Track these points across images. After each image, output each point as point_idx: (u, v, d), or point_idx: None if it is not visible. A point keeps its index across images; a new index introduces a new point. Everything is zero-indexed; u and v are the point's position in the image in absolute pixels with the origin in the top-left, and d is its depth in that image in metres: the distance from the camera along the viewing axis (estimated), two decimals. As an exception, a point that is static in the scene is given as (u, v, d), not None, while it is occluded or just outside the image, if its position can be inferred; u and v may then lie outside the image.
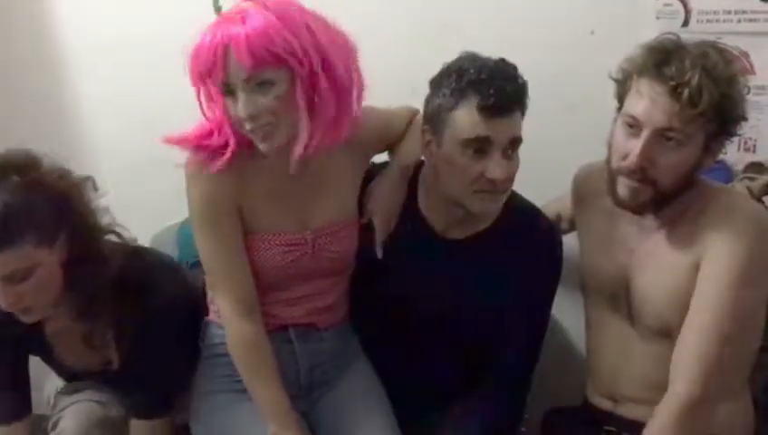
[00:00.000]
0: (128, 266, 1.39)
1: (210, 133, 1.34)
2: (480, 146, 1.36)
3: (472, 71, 1.36)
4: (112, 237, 1.41)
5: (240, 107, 1.25)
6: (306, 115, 1.28)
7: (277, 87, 1.25)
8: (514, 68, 1.38)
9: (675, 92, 1.25)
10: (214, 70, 1.23)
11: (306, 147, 1.30)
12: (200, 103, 1.33)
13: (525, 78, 1.39)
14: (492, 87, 1.33)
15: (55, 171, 1.33)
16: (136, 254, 1.46)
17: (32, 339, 1.45)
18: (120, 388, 1.54)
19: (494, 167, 1.36)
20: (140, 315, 1.39)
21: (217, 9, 1.26)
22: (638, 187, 1.32)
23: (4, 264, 1.24)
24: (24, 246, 1.25)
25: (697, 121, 1.26)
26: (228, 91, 1.26)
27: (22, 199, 1.26)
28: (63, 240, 1.31)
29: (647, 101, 1.28)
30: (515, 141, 1.38)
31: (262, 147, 1.30)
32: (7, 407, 1.47)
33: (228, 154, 1.32)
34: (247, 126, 1.27)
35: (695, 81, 1.24)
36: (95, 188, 1.39)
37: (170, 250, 1.72)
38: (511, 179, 1.40)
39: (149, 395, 1.47)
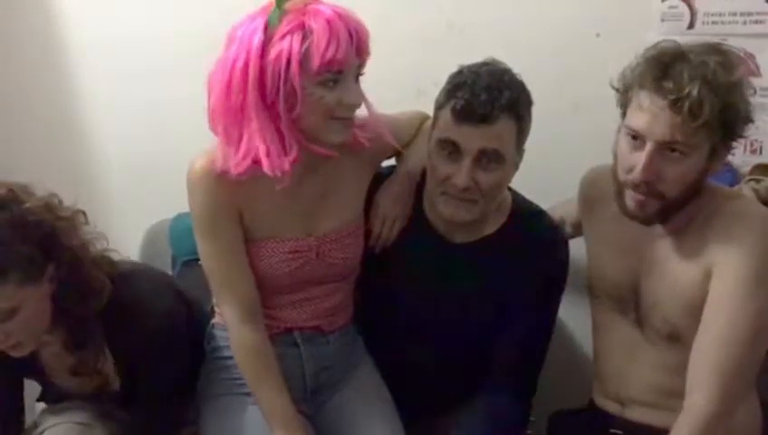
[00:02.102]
0: (118, 293, 1.38)
1: (248, 169, 1.30)
2: (452, 149, 1.37)
3: (465, 73, 1.37)
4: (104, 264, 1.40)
5: (351, 94, 1.29)
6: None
7: (360, 79, 1.31)
8: (507, 81, 1.36)
9: (675, 106, 1.23)
10: (348, 58, 1.26)
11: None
12: (282, 112, 1.28)
13: (531, 80, 1.39)
14: (468, 93, 1.33)
15: (41, 205, 1.30)
16: (126, 278, 1.42)
17: (28, 365, 1.44)
18: (121, 407, 1.54)
19: (457, 172, 1.36)
20: (134, 339, 1.37)
21: (279, 3, 1.26)
22: (644, 199, 1.31)
23: None
24: (8, 286, 1.23)
25: (700, 133, 1.25)
26: (333, 80, 1.27)
27: (3, 238, 1.23)
28: (51, 273, 1.30)
29: (648, 114, 1.27)
30: (487, 153, 1.35)
31: (339, 137, 1.32)
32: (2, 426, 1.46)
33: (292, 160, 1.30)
34: (342, 113, 1.29)
35: (694, 93, 1.22)
36: (86, 221, 1.37)
37: (164, 247, 1.72)
38: (480, 190, 1.38)
39: (152, 416, 1.45)
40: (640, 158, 1.28)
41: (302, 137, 1.31)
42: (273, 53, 1.24)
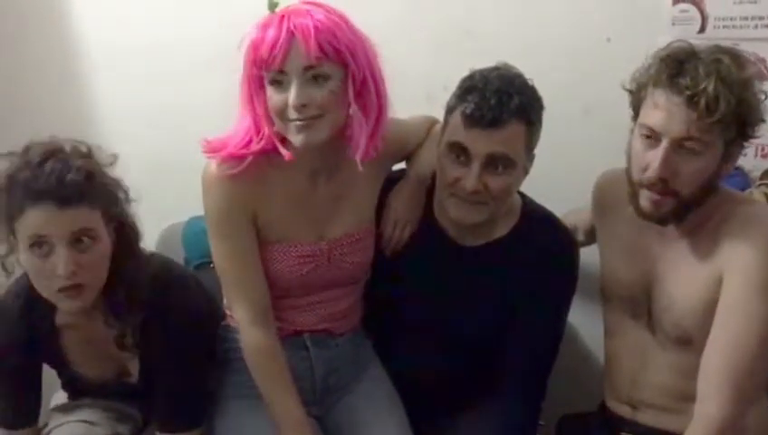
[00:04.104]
0: (159, 275, 1.40)
1: (250, 142, 1.35)
2: (461, 153, 1.37)
3: (476, 78, 1.38)
4: None
5: (292, 95, 1.26)
6: (361, 114, 1.31)
7: (331, 82, 1.28)
8: (518, 86, 1.36)
9: (691, 102, 1.24)
10: (275, 58, 1.25)
11: (366, 148, 1.33)
12: (250, 97, 1.33)
13: (542, 85, 1.40)
14: (478, 97, 1.34)
15: (113, 176, 1.37)
16: (166, 263, 1.47)
17: (48, 350, 1.45)
18: (138, 399, 1.55)
19: (466, 176, 1.37)
20: (168, 325, 1.39)
21: (272, 6, 1.28)
22: (660, 199, 1.31)
23: (75, 218, 1.25)
24: (96, 207, 1.28)
25: (715, 129, 1.26)
26: (277, 81, 1.28)
27: (94, 171, 1.30)
28: (113, 228, 1.34)
29: (663, 112, 1.28)
30: (496, 157, 1.35)
31: (297, 139, 1.30)
32: (18, 412, 1.47)
33: (256, 150, 1.34)
34: (292, 115, 1.28)
35: (710, 89, 1.23)
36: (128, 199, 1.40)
37: (177, 250, 1.74)
38: (489, 194, 1.38)
39: (174, 408, 1.46)
40: (656, 156, 1.29)
41: (273, 133, 1.33)
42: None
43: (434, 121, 1.54)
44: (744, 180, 1.69)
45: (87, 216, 1.27)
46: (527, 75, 1.40)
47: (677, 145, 1.27)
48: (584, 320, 1.73)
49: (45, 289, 1.30)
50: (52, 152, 1.28)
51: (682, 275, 1.37)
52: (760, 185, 1.66)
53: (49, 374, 1.54)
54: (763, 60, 1.65)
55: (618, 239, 1.49)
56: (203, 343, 1.46)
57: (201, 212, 1.44)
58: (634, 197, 1.36)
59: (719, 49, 1.30)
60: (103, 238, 1.31)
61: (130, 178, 2.08)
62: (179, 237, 1.82)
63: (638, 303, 1.45)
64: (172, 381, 1.42)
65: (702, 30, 1.69)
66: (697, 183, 1.30)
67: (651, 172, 1.29)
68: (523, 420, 1.51)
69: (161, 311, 1.38)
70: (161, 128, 2.04)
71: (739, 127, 1.28)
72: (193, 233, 1.75)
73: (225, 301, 1.51)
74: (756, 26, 1.66)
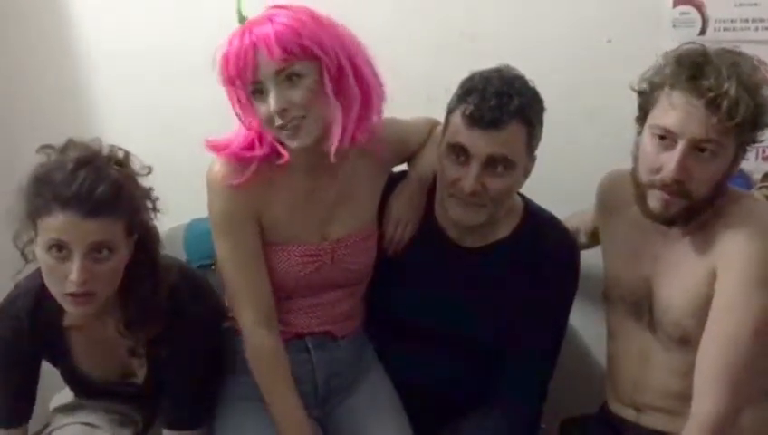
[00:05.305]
0: (178, 287, 1.39)
1: (252, 144, 1.35)
2: (461, 153, 1.37)
3: (477, 79, 1.38)
4: None
5: (271, 101, 1.26)
6: (338, 105, 1.30)
7: (306, 79, 1.27)
8: (518, 87, 1.37)
9: (712, 104, 1.24)
10: (245, 71, 1.25)
11: (342, 137, 1.31)
12: (237, 111, 1.34)
13: (542, 87, 1.40)
14: (478, 98, 1.34)
15: (141, 184, 1.36)
16: (184, 271, 1.47)
17: (53, 348, 1.45)
18: (141, 401, 1.54)
19: (465, 177, 1.37)
20: (184, 337, 1.38)
21: (241, 19, 1.28)
22: (670, 199, 1.31)
23: (97, 230, 1.24)
24: (120, 221, 1.27)
25: (732, 132, 1.26)
26: (258, 91, 1.28)
27: (125, 183, 1.29)
28: (133, 240, 1.33)
29: (681, 113, 1.27)
30: (496, 158, 1.36)
31: (291, 144, 1.30)
32: (12, 411, 1.46)
33: (257, 159, 1.34)
34: (277, 121, 1.28)
35: (732, 92, 1.23)
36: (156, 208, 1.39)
37: (178, 252, 1.73)
38: (488, 195, 1.39)
39: (184, 408, 1.46)
40: (671, 157, 1.28)
41: (273, 138, 1.33)
42: None
43: (435, 123, 1.54)
44: (746, 182, 1.69)
45: (110, 228, 1.27)
46: (528, 76, 1.40)
47: (694, 147, 1.27)
48: (585, 322, 1.73)
49: (55, 288, 1.30)
50: (88, 159, 1.27)
51: (682, 275, 1.38)
52: (761, 187, 1.66)
53: (50, 374, 1.54)
54: (763, 62, 1.64)
55: (621, 240, 1.49)
56: (214, 347, 1.47)
57: (202, 214, 1.44)
58: (641, 198, 1.35)
59: (732, 52, 1.30)
60: (121, 250, 1.30)
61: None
62: (181, 240, 1.81)
63: (640, 304, 1.44)
64: (183, 383, 1.43)
65: (702, 32, 1.69)
66: (710, 185, 1.31)
67: (666, 173, 1.29)
68: (524, 423, 1.51)
69: (178, 323, 1.38)
70: (162, 130, 2.04)
71: (753, 130, 1.29)
72: (194, 235, 1.75)
73: (227, 303, 1.50)
74: (757, 29, 1.66)
